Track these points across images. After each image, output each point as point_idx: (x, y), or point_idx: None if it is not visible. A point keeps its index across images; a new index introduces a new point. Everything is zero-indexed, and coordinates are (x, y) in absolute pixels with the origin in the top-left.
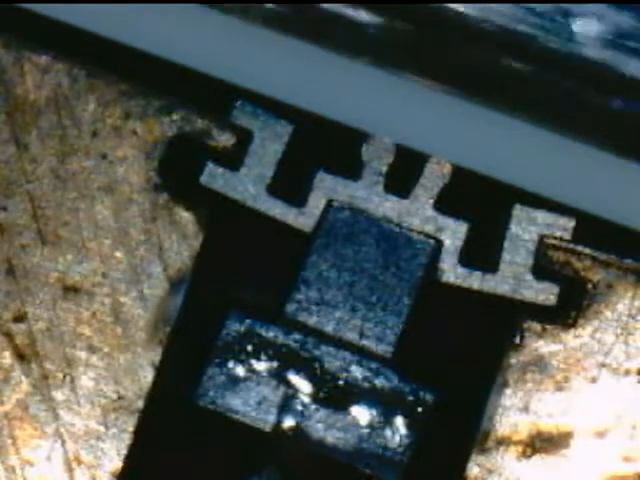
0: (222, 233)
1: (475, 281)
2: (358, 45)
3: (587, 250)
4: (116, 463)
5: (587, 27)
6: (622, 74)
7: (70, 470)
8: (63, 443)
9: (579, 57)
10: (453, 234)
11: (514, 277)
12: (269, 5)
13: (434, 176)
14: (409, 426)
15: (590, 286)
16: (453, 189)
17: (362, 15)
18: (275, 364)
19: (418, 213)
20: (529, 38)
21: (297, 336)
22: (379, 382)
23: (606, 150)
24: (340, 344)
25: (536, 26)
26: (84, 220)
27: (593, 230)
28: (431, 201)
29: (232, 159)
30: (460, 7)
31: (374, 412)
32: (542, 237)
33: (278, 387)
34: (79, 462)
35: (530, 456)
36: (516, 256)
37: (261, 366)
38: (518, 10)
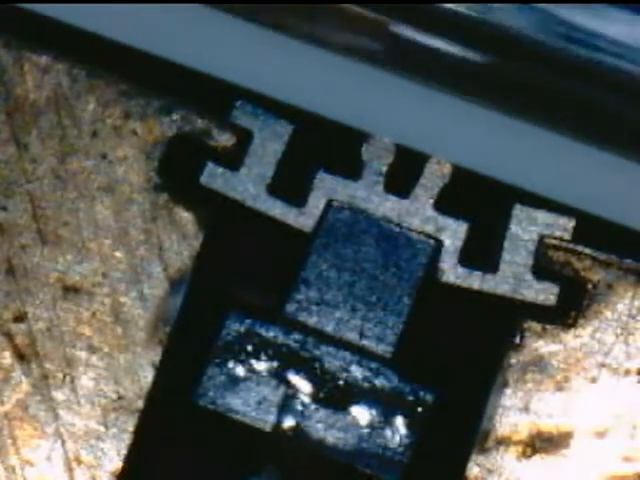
0: (222, 233)
1: (475, 281)
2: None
3: (587, 250)
4: (116, 463)
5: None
6: (622, 72)
7: (70, 470)
8: (63, 443)
9: (577, 56)
10: (453, 234)
11: (514, 277)
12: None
13: (434, 176)
14: (409, 426)
15: (590, 286)
16: (453, 189)
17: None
18: (275, 364)
19: (418, 213)
20: (527, 39)
21: (297, 336)
22: (379, 382)
23: (606, 150)
24: (340, 344)
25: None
26: (84, 220)
27: (593, 230)
28: (431, 201)
29: (232, 159)
30: (460, 7)
31: (374, 412)
32: (542, 237)
33: (278, 387)
34: (79, 462)
35: (530, 456)
36: (516, 256)
37: (261, 366)
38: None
